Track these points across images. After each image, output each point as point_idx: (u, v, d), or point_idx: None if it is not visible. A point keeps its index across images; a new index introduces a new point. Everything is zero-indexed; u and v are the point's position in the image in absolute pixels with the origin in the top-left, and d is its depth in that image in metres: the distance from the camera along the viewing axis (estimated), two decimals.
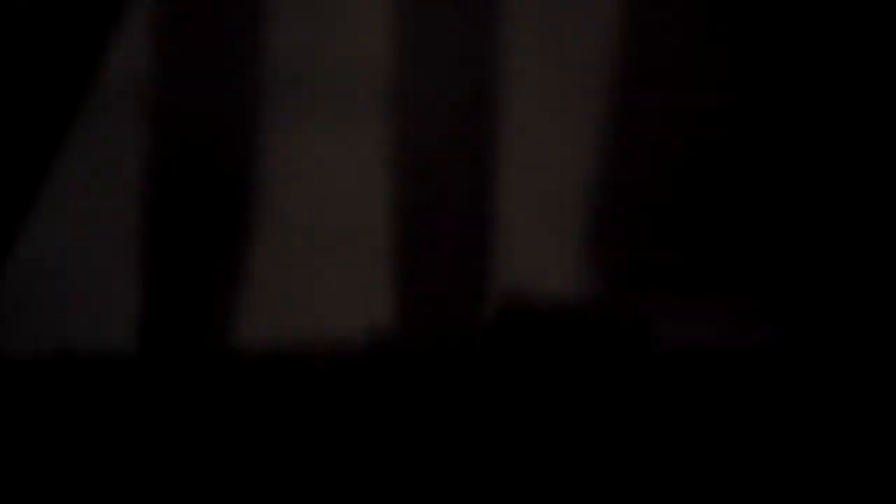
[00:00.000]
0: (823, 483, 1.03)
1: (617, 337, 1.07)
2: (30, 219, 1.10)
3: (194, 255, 1.12)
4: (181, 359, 1.09)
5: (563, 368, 1.08)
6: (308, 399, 1.08)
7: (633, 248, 1.11)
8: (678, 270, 1.10)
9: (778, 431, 1.06)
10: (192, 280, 1.12)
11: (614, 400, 1.07)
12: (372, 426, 1.08)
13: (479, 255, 1.13)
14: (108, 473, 1.06)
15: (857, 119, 1.11)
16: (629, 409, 1.06)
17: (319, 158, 1.14)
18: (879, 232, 1.07)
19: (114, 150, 1.15)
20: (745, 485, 1.04)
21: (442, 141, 1.14)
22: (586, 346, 1.08)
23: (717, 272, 1.10)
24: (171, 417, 1.08)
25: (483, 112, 1.16)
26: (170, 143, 1.15)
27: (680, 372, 1.07)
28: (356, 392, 1.09)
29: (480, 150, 1.15)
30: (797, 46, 1.11)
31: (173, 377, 1.09)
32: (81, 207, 1.12)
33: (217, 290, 1.12)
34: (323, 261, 1.13)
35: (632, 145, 1.12)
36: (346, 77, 1.16)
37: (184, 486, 1.06)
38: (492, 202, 1.14)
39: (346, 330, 1.11)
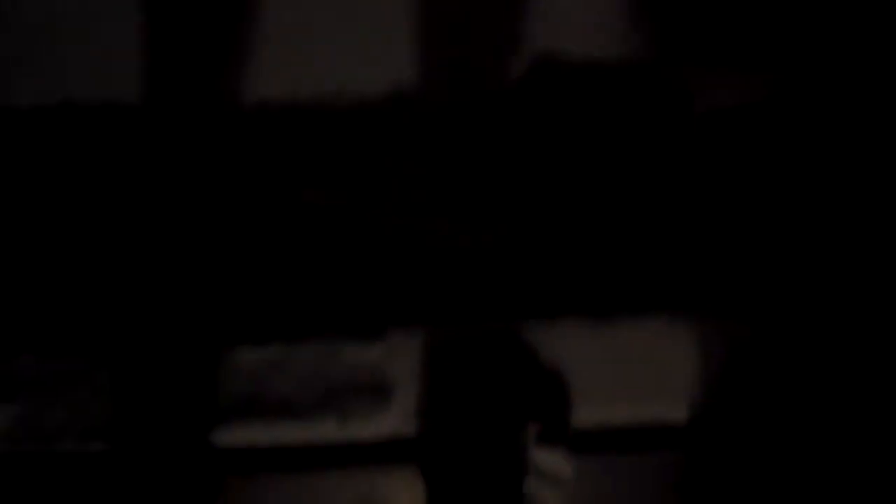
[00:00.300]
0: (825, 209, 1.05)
1: (659, 98, 1.00)
2: None
3: (203, 3, 1.04)
4: (188, 111, 1.02)
5: (599, 124, 1.02)
6: (324, 158, 1.02)
7: (673, 16, 1.05)
8: (714, 44, 1.05)
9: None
10: (201, 29, 1.05)
11: (652, 156, 1.02)
12: (389, 185, 1.02)
13: (513, 12, 1.05)
14: (108, 225, 1.03)
15: None
16: (665, 167, 1.01)
17: None
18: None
19: None
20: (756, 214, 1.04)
21: None
22: (625, 104, 1.01)
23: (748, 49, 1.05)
24: (177, 172, 1.03)
25: None
26: None
27: (716, 131, 1.03)
28: (376, 149, 1.02)
29: None
30: None
31: (180, 130, 1.03)
32: None
33: (227, 41, 1.05)
34: (342, 12, 1.05)
35: None
36: None
37: (186, 241, 1.03)
38: None
39: (367, 86, 1.04)
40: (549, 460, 0.97)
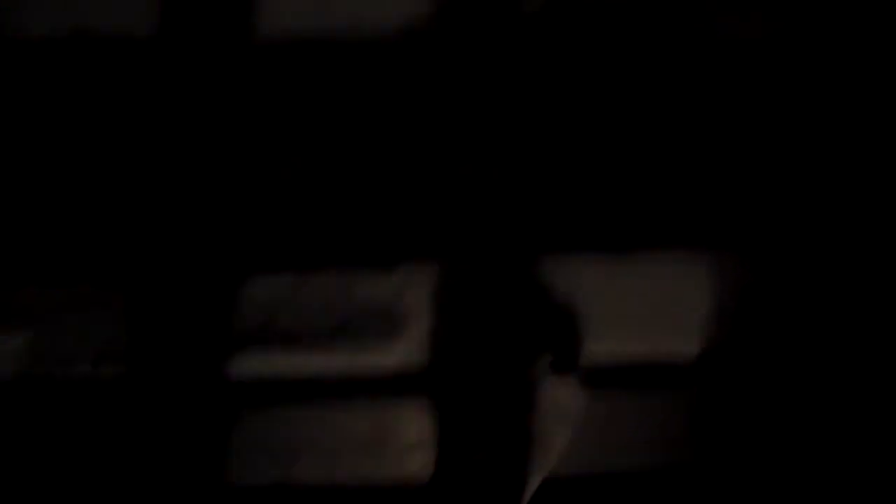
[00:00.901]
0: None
1: (677, 28, 1.00)
2: None
3: None
4: (202, 45, 1.01)
5: (615, 56, 1.00)
6: (335, 92, 1.01)
7: None
8: None
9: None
10: None
11: (669, 88, 1.00)
12: (404, 121, 1.01)
13: None
14: (121, 155, 1.02)
15: None
16: (682, 100, 1.01)
17: None
18: None
19: None
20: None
21: None
22: (640, 36, 1.00)
23: None
24: (191, 104, 1.02)
25: None
26: None
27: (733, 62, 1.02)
28: (389, 83, 1.01)
29: None
30: None
31: (193, 62, 1.01)
32: None
33: None
34: None
35: None
36: None
37: (199, 172, 1.02)
38: None
39: (378, 21, 1.02)
40: (560, 393, 0.97)
